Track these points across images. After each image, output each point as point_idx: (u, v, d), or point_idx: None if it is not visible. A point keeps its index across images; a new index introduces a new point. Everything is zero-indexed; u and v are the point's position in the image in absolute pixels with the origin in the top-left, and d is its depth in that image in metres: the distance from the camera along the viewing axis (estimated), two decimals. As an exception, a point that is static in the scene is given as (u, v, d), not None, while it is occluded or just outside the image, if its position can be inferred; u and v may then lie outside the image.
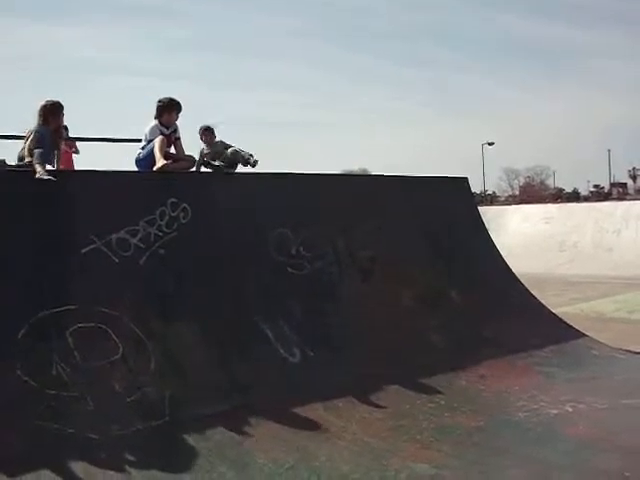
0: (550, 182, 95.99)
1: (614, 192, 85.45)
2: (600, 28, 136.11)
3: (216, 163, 9.28)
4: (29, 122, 7.74)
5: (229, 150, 9.29)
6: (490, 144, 69.31)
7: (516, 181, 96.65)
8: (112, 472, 5.23)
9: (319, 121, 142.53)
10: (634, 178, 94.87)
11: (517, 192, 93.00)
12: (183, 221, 7.53)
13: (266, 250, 8.18)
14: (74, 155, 12.33)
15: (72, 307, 6.41)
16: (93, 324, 6.39)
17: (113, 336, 6.41)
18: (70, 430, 5.60)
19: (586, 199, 78.86)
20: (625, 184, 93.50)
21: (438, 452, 5.96)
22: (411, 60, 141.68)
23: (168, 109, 8.65)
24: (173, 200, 7.50)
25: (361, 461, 5.76)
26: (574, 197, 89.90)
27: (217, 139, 9.60)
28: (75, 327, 6.28)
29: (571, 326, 10.43)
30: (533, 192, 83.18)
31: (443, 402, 7.23)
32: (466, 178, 11.71)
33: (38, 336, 6.07)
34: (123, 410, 5.97)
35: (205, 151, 9.52)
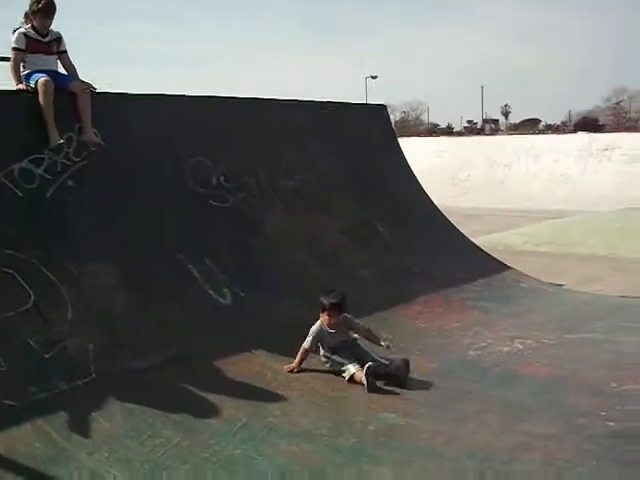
0: (425, 117, 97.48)
1: (486, 128, 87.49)
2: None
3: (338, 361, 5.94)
4: None
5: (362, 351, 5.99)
6: (373, 77, 68.77)
7: (392, 116, 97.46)
8: (37, 444, 4.39)
9: (187, 54, 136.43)
10: (506, 115, 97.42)
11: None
12: (93, 148, 6.54)
13: (184, 181, 7.31)
14: None
15: (-30, 250, 5.42)
16: (-3, 269, 5.43)
17: (21, 282, 5.47)
18: (-20, 396, 4.69)
19: (459, 134, 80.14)
20: (497, 120, 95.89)
21: (402, 400, 5.43)
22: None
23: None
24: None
25: (320, 414, 5.16)
26: (448, 132, 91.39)
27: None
28: (-24, 273, 5.32)
29: (496, 259, 10.16)
30: (409, 127, 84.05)
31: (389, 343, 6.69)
32: (384, 106, 11.09)
33: None
34: (42, 369, 5.08)
35: (323, 335, 6.03)
